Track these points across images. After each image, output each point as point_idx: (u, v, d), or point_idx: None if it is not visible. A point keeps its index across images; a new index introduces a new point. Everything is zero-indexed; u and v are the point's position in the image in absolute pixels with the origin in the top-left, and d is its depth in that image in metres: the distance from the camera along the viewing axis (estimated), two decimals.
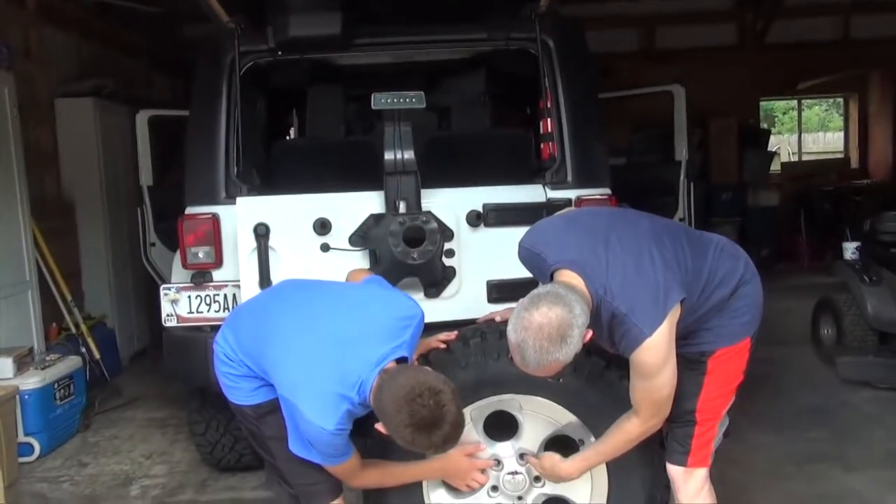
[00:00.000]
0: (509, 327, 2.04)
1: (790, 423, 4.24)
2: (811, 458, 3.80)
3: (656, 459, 2.46)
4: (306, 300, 2.35)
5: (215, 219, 3.14)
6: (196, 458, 3.96)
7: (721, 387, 2.32)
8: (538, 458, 2.49)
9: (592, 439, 2.49)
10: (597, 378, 2.48)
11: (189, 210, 3.22)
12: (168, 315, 3.24)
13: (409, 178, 2.91)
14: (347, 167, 3.36)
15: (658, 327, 2.05)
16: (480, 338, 2.55)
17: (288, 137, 5.16)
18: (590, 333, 2.04)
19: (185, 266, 3.22)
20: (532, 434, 2.59)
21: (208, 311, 3.20)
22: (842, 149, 12.17)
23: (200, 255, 3.20)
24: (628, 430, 2.27)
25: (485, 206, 3.05)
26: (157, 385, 5.30)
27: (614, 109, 5.73)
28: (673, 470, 2.38)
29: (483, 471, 2.54)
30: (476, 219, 3.05)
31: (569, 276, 2.11)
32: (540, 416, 2.56)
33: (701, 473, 2.35)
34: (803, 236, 9.28)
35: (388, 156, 2.88)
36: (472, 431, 2.55)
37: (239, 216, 2.99)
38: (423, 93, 2.77)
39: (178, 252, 3.27)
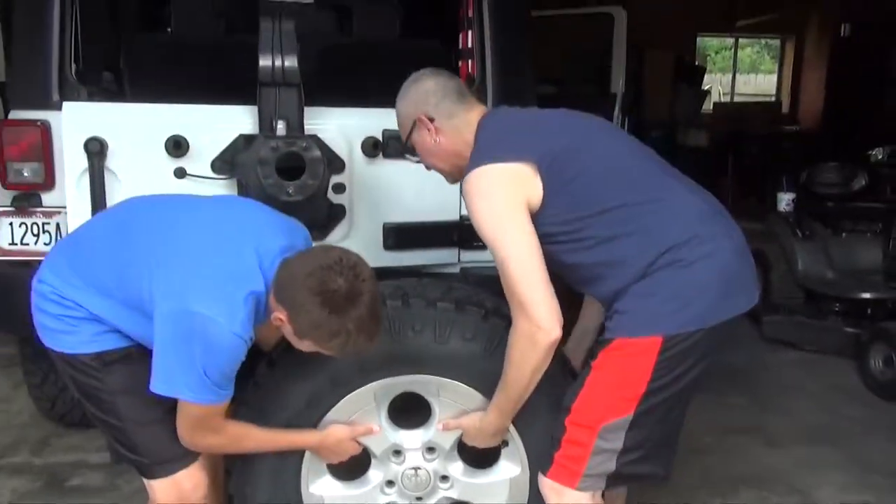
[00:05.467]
0: None
1: (708, 385, 3.90)
2: (731, 428, 3.50)
3: None
4: (176, 204, 1.95)
5: (45, 127, 2.48)
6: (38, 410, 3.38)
7: (606, 390, 1.78)
8: (457, 421, 2.02)
9: (518, 441, 2.03)
10: None
11: (12, 115, 2.56)
12: None
13: (290, 92, 2.35)
14: (219, 75, 2.74)
15: (483, 164, 1.80)
16: (401, 301, 2.02)
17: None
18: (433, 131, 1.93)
19: (5, 185, 2.57)
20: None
21: (35, 242, 2.58)
22: (773, 92, 12.04)
23: (26, 172, 2.54)
24: (510, 340, 1.79)
25: (385, 132, 2.51)
26: None
27: (545, 32, 5.28)
28: (541, 479, 1.89)
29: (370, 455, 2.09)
30: (373, 148, 2.52)
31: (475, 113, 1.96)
32: (459, 408, 2.06)
33: (573, 496, 1.83)
34: (730, 179, 9.07)
35: (265, 61, 2.31)
36: (374, 413, 2.06)
37: (65, 127, 2.35)
38: None
39: None
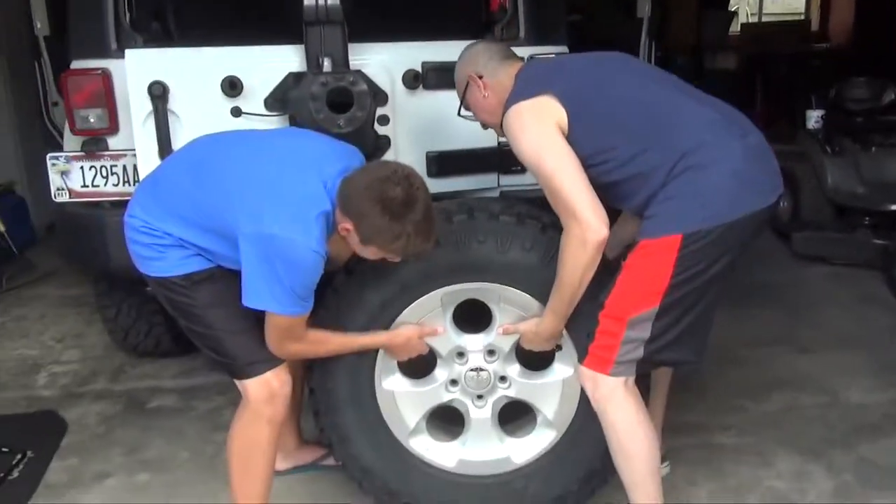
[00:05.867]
0: None
1: (742, 301, 4.07)
2: (764, 340, 3.66)
3: None
4: (243, 138, 2.15)
5: (105, 75, 2.64)
6: (111, 342, 3.62)
7: (634, 285, 1.96)
8: (515, 326, 2.22)
9: (571, 345, 2.21)
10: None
11: (75, 64, 2.72)
12: (58, 189, 2.79)
13: (334, 30, 2.46)
14: (266, 15, 2.86)
15: (515, 103, 2.03)
16: (467, 215, 2.19)
17: None
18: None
19: (74, 131, 2.75)
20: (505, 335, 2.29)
21: (105, 184, 2.76)
22: (802, 11, 11.78)
23: (91, 118, 2.71)
24: (562, 245, 1.97)
25: (424, 64, 2.63)
26: None
27: None
28: (579, 369, 2.09)
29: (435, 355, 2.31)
30: (414, 80, 2.64)
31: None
32: (518, 314, 2.23)
33: (607, 382, 2.02)
34: (759, 102, 8.99)
35: (309, 1, 2.42)
36: (440, 317, 2.25)
37: (129, 73, 2.50)
38: None
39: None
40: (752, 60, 9.25)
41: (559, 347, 2.25)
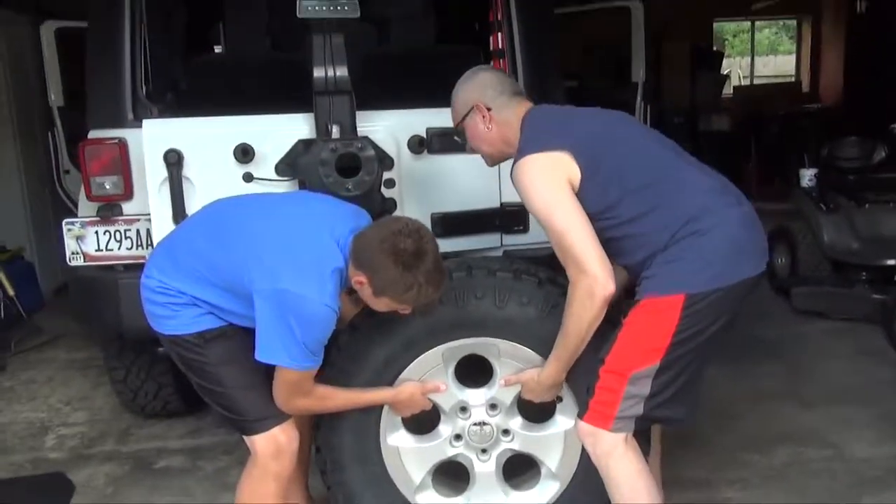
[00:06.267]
0: None
1: (742, 356, 4.12)
2: (765, 394, 3.68)
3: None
4: (256, 201, 2.26)
5: (122, 144, 2.75)
6: (119, 403, 3.65)
7: (635, 342, 2.02)
8: (517, 376, 2.27)
9: (571, 397, 2.26)
10: None
11: (92, 134, 2.83)
12: (73, 253, 2.87)
13: (342, 99, 2.57)
14: (274, 86, 2.99)
15: (530, 153, 2.05)
16: (466, 272, 2.27)
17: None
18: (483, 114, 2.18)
19: (90, 198, 2.85)
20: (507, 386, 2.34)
21: (119, 248, 2.84)
22: (793, 72, 12.06)
23: (107, 185, 2.82)
24: (569, 298, 2.03)
25: (428, 130, 2.74)
26: None
27: (565, 29, 5.45)
28: (578, 424, 2.13)
29: (442, 413, 2.36)
30: (419, 145, 2.74)
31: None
32: (517, 367, 2.30)
33: (607, 438, 2.07)
34: (753, 161, 9.16)
35: (318, 73, 2.53)
36: (442, 373, 2.31)
37: (146, 142, 2.61)
38: (356, 0, 2.41)
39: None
40: (745, 121, 9.46)
41: (560, 399, 2.30)
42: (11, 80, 5.47)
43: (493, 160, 2.32)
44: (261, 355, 2.00)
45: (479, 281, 2.25)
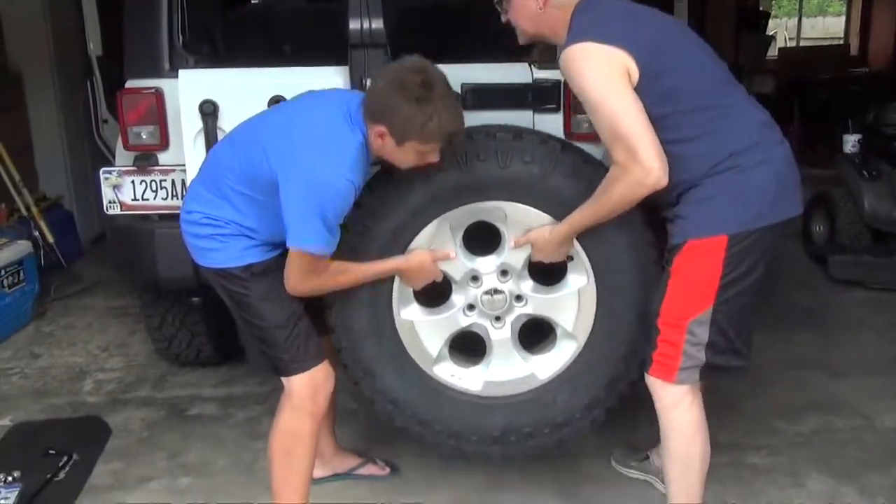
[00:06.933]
0: None
1: (777, 324, 4.07)
2: (798, 362, 3.64)
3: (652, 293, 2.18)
4: (271, 109, 2.36)
5: (158, 94, 2.76)
6: (155, 351, 3.73)
7: (686, 289, 2.03)
8: (526, 236, 2.28)
9: (582, 254, 2.28)
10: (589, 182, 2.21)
11: (129, 83, 2.85)
12: (110, 202, 2.92)
13: (377, 52, 2.55)
14: (311, 38, 2.98)
15: (587, 41, 1.96)
16: (466, 136, 2.25)
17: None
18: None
19: (126, 147, 2.88)
20: (516, 250, 2.35)
21: (154, 198, 2.88)
22: (841, 35, 11.70)
23: (143, 135, 2.84)
24: (613, 179, 2.00)
25: (463, 85, 2.71)
26: None
27: None
28: (647, 377, 2.16)
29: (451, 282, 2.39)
30: None
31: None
32: (524, 228, 2.30)
33: (673, 391, 2.10)
34: (796, 126, 8.94)
35: (354, 25, 2.51)
36: (450, 241, 2.33)
37: (181, 92, 2.62)
38: None
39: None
40: (789, 85, 9.22)
41: (571, 258, 2.29)
42: (51, 30, 5.50)
43: (528, 39, 2.26)
44: (290, 241, 2.01)
45: (481, 143, 2.25)
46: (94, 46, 4.65)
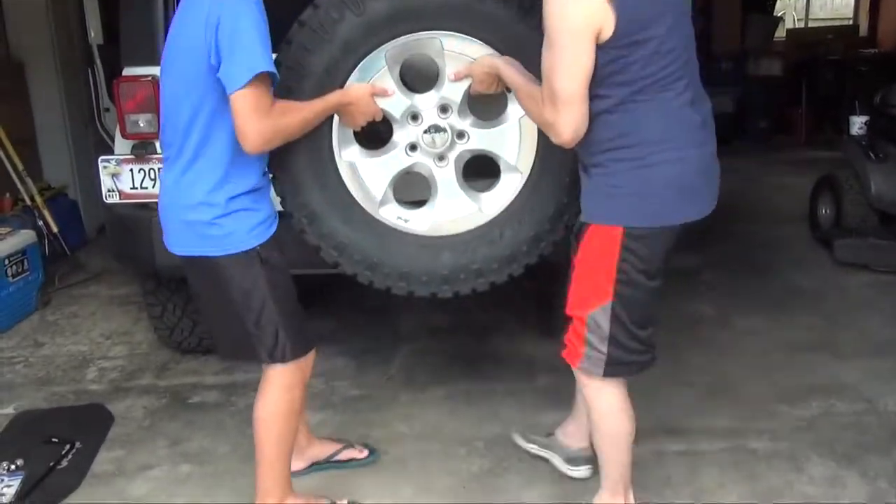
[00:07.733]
0: None
1: (781, 307, 4.06)
2: (802, 345, 3.62)
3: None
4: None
5: (155, 82, 2.74)
6: (157, 339, 3.75)
7: (587, 279, 2.06)
8: (466, 67, 2.24)
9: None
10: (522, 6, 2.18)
11: (127, 71, 2.85)
12: (109, 191, 2.93)
13: None
14: None
15: None
16: None
17: None
18: None
19: (124, 136, 2.88)
20: (455, 83, 2.29)
21: (152, 186, 2.89)
22: (851, 15, 11.56)
23: (141, 123, 2.86)
24: (533, 109, 2.03)
25: None
26: None
27: None
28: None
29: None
30: None
31: None
32: (465, 61, 2.25)
33: (593, 384, 2.17)
34: (803, 108, 8.86)
35: None
36: (387, 77, 2.28)
37: None
38: None
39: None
40: (797, 66, 9.12)
41: (509, 89, 2.23)
42: (54, 19, 5.49)
43: None
44: (237, 77, 1.91)
45: None
46: (95, 35, 4.66)
